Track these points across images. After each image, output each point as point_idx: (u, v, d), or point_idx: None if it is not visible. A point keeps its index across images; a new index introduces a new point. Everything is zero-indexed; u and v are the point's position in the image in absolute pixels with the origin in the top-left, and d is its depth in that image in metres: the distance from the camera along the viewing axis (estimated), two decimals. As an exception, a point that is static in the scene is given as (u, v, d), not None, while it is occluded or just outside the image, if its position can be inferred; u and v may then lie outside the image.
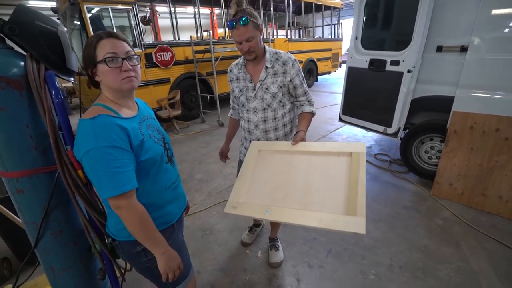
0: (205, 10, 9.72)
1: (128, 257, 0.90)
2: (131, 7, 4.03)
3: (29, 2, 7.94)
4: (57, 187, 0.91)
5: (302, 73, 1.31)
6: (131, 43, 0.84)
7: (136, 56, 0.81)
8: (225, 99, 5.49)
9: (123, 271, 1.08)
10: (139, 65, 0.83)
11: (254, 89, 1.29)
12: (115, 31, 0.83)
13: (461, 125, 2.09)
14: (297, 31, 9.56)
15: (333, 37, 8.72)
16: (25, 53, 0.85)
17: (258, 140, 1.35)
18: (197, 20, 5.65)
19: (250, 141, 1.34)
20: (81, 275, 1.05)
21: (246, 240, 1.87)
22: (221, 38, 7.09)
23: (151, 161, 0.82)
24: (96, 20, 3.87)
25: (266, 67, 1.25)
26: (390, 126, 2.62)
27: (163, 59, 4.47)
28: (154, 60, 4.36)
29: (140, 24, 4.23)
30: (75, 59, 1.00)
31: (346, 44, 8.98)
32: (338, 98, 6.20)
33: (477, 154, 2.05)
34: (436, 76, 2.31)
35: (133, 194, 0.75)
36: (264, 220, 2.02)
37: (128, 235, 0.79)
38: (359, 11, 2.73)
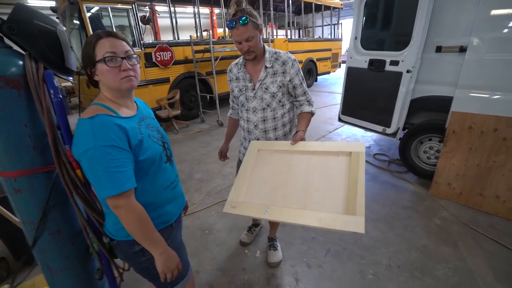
0: (204, 10, 9.71)
1: (126, 257, 0.90)
2: (131, 7, 4.02)
3: (28, 1, 7.92)
4: (55, 186, 0.91)
5: (302, 73, 1.31)
6: (131, 43, 0.84)
7: (135, 56, 0.81)
8: (224, 99, 5.48)
9: (121, 271, 1.08)
10: (138, 65, 0.82)
11: (254, 89, 1.29)
12: (114, 30, 0.83)
13: (460, 125, 2.09)
14: (296, 31, 9.56)
15: (332, 37, 8.73)
16: (23, 52, 0.85)
17: (258, 139, 1.35)
18: (197, 19, 5.65)
19: (250, 141, 1.34)
20: (79, 275, 1.05)
21: (245, 240, 1.87)
22: (220, 38, 7.08)
23: (150, 160, 0.82)
24: (96, 19, 3.86)
25: (266, 67, 1.25)
26: (389, 126, 2.62)
27: (162, 59, 4.47)
28: (154, 60, 4.35)
29: (140, 23, 4.22)
30: (74, 59, 0.99)
31: (345, 44, 8.99)
32: (337, 98, 6.21)
33: (475, 154, 2.06)
34: (435, 76, 2.32)
35: (131, 194, 0.75)
36: (263, 220, 2.03)
37: (126, 235, 0.79)
38: (359, 11, 2.74)
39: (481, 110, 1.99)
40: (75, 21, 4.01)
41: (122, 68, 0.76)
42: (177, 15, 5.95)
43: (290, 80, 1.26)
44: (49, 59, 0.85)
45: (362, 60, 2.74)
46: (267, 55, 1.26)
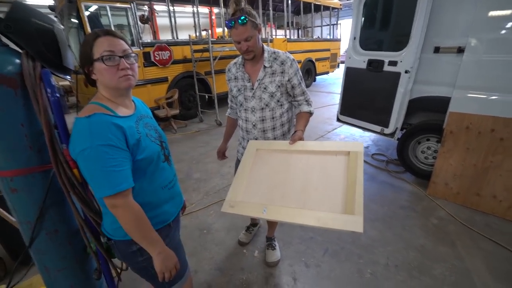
0: (204, 9, 9.69)
1: (124, 256, 0.90)
2: (130, 6, 4.00)
3: (26, -1, 7.85)
4: (52, 186, 0.90)
5: (300, 72, 1.31)
6: (129, 42, 0.83)
7: (133, 55, 0.81)
8: (223, 99, 5.47)
9: (119, 270, 1.08)
10: (136, 64, 0.82)
11: (252, 89, 1.29)
12: (113, 29, 0.82)
13: (458, 125, 2.10)
14: (296, 31, 9.57)
15: (331, 37, 8.74)
16: (20, 51, 0.84)
17: (256, 139, 1.35)
18: (196, 19, 5.64)
19: (248, 141, 1.34)
20: (77, 275, 1.04)
21: (243, 240, 1.87)
22: (219, 37, 7.07)
23: (147, 160, 0.81)
24: (94, 18, 3.84)
25: (265, 67, 1.25)
26: (387, 126, 2.63)
27: (161, 58, 4.45)
28: (152, 59, 4.34)
29: (139, 22, 4.21)
30: (72, 57, 0.99)
31: (344, 44, 9.02)
32: (336, 98, 6.22)
33: (472, 154, 2.07)
34: (433, 77, 2.33)
35: (129, 193, 0.75)
36: (261, 220, 2.03)
37: (124, 235, 0.78)
38: (358, 12, 2.74)
39: (478, 111, 2.00)
40: (73, 20, 3.98)
41: (120, 67, 0.76)
42: (176, 15, 5.94)
43: (288, 80, 1.26)
44: (46, 57, 0.85)
45: (361, 60, 2.74)
46: (266, 54, 1.26)
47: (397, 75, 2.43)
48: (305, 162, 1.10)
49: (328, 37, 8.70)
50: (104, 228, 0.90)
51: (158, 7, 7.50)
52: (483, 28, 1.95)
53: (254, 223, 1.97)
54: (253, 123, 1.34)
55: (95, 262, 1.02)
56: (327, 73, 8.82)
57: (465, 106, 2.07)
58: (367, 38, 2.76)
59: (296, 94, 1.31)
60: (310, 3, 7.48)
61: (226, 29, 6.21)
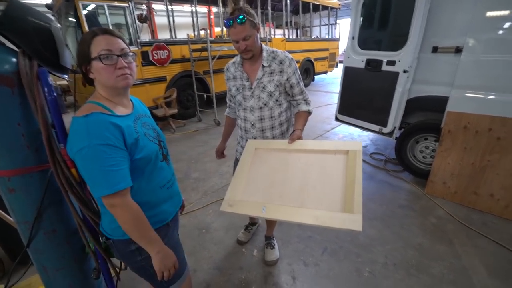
0: (202, 9, 9.65)
1: (123, 256, 0.90)
2: (128, 4, 3.98)
3: (23, -2, 7.79)
4: (50, 186, 0.90)
5: (299, 72, 1.31)
6: (127, 41, 0.83)
7: (131, 54, 0.80)
8: (221, 98, 5.46)
9: (118, 270, 1.08)
10: (134, 63, 0.82)
11: (251, 88, 1.29)
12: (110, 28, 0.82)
13: (455, 125, 2.11)
14: (294, 30, 9.56)
15: (330, 37, 8.75)
16: (17, 49, 0.83)
17: (255, 138, 1.35)
18: (194, 18, 5.62)
19: (247, 140, 1.34)
20: (75, 275, 1.04)
21: (242, 239, 1.87)
22: (218, 36, 7.06)
23: (145, 159, 0.81)
24: (92, 17, 3.82)
25: (263, 66, 1.25)
26: (385, 126, 2.64)
27: (159, 57, 4.44)
28: (151, 58, 4.32)
29: (137, 21, 4.19)
30: (69, 56, 0.98)
31: (343, 44, 9.03)
32: (334, 98, 6.23)
33: (470, 153, 2.08)
34: (431, 76, 2.33)
35: (127, 193, 0.75)
36: (260, 219, 2.03)
37: (123, 234, 0.78)
38: (356, 11, 2.75)
39: (476, 110, 2.01)
40: (70, 19, 3.96)
41: (118, 66, 0.76)
42: (175, 14, 5.91)
43: (287, 79, 1.26)
44: (43, 56, 0.84)
45: (359, 60, 2.75)
46: (264, 54, 1.26)
47: (395, 75, 2.43)
48: (304, 161, 1.10)
49: (327, 37, 8.70)
50: (102, 227, 0.89)
51: (156, 6, 7.47)
52: (481, 28, 1.96)
53: (253, 222, 1.97)
54: (252, 123, 1.34)
55: (93, 261, 1.02)
56: (325, 72, 8.83)
57: (463, 105, 2.08)
58: (366, 37, 2.77)
59: (295, 93, 1.31)
60: (308, 3, 7.47)
61: (224, 29, 6.20)
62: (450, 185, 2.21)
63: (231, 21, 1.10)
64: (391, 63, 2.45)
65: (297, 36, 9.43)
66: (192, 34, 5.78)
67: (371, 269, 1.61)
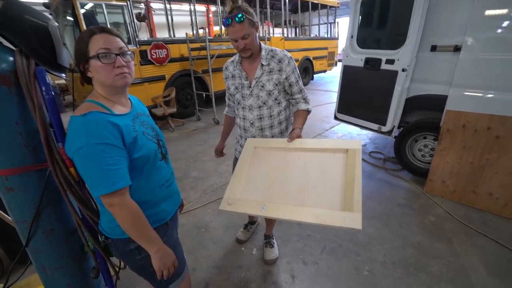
0: (201, 8, 9.62)
1: (122, 255, 0.90)
2: (126, 3, 3.97)
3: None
4: (48, 185, 0.89)
5: (298, 70, 1.30)
6: (125, 40, 0.82)
7: (129, 52, 0.80)
8: (220, 97, 5.47)
9: (117, 269, 1.08)
10: (132, 62, 0.81)
11: (250, 87, 1.28)
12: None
13: (454, 123, 2.12)
14: (293, 29, 9.55)
15: (329, 35, 8.74)
16: (14, 48, 0.83)
17: (254, 137, 1.35)
18: (193, 17, 5.60)
19: (246, 139, 1.34)
20: (74, 274, 1.04)
21: (241, 238, 1.87)
22: (217, 35, 7.04)
23: (144, 158, 0.81)
24: (90, 16, 3.80)
25: (262, 65, 1.25)
26: (384, 124, 2.64)
27: (158, 56, 4.42)
28: (149, 57, 4.31)
29: (135, 20, 4.17)
30: (67, 55, 0.98)
31: (342, 43, 9.02)
32: (333, 97, 6.23)
33: (469, 152, 2.08)
34: (430, 75, 2.34)
35: (126, 192, 0.74)
36: (260, 217, 2.03)
37: (122, 233, 0.78)
38: (355, 10, 2.74)
39: (474, 109, 2.02)
40: (68, 18, 3.94)
41: (116, 65, 0.75)
42: (173, 13, 5.89)
43: (286, 78, 1.26)
44: (41, 55, 0.83)
45: (358, 58, 2.75)
46: (263, 52, 1.26)
47: (394, 74, 2.44)
48: (304, 159, 1.10)
49: (326, 36, 8.69)
50: (101, 226, 0.89)
51: (154, 5, 7.44)
52: (480, 27, 1.96)
53: (252, 221, 1.97)
54: (251, 121, 1.34)
55: (92, 260, 1.01)
56: (324, 71, 8.82)
57: (461, 104, 2.09)
58: (365, 36, 2.77)
59: (294, 92, 1.31)
60: (307, 1, 7.46)
61: (223, 27, 6.18)
62: (449, 184, 2.22)
63: (230, 20, 1.10)
64: (390, 61, 2.45)
65: (296, 35, 9.42)
66: (191, 33, 5.76)
67: (370, 268, 1.61)
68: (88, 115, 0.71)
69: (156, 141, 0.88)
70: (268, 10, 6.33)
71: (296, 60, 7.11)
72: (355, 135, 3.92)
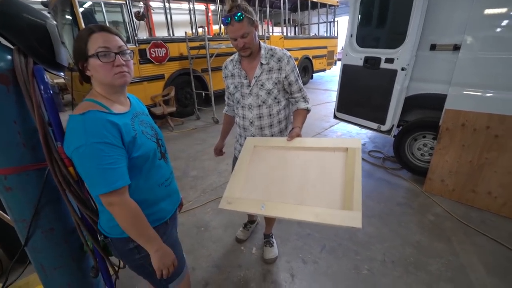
0: (200, 6, 9.60)
1: (121, 254, 0.89)
2: (125, 2, 3.95)
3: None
4: (47, 184, 0.89)
5: (297, 69, 1.30)
6: (124, 38, 0.82)
7: (129, 51, 0.80)
8: (220, 96, 5.46)
9: (116, 268, 1.08)
10: (132, 60, 0.81)
11: (249, 86, 1.28)
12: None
13: (453, 122, 2.12)
14: (292, 28, 9.54)
15: (328, 34, 8.73)
16: (12, 47, 0.82)
17: (253, 136, 1.35)
18: (192, 16, 5.59)
19: (245, 138, 1.33)
20: (73, 274, 1.04)
21: (240, 237, 1.87)
22: (216, 34, 7.03)
23: (143, 157, 0.81)
24: (88, 14, 3.78)
25: (261, 64, 1.25)
26: (384, 124, 2.64)
27: (157, 55, 4.41)
28: (148, 56, 4.30)
29: (134, 19, 4.16)
30: (66, 54, 0.97)
31: (341, 42, 9.01)
32: (333, 96, 6.23)
33: (468, 151, 2.09)
34: (429, 74, 2.34)
35: (125, 191, 0.74)
36: (259, 216, 2.03)
37: (121, 232, 0.78)
38: (355, 9, 2.74)
39: (474, 108, 2.02)
40: (67, 16, 3.92)
41: (116, 64, 0.75)
42: (172, 11, 5.88)
43: (285, 77, 1.26)
44: (39, 53, 0.83)
45: (358, 57, 2.75)
46: (262, 51, 1.25)
47: (393, 73, 2.44)
48: (303, 158, 1.10)
49: (325, 35, 8.68)
50: (100, 226, 0.89)
51: (153, 3, 7.42)
52: (479, 26, 1.96)
53: (251, 220, 1.97)
54: (250, 120, 1.33)
55: (92, 260, 1.01)
56: (324, 70, 8.82)
57: (460, 103, 2.09)
58: (364, 35, 2.76)
59: (293, 91, 1.31)
60: (307, 1, 7.45)
61: (222, 26, 6.16)
62: (448, 183, 2.22)
63: (229, 19, 1.09)
64: (389, 60, 2.45)
65: (295, 34, 9.41)
66: (190, 32, 5.75)
67: (370, 267, 1.62)
68: (87, 114, 0.70)
69: (155, 140, 0.88)
70: (268, 9, 6.32)
71: (296, 59, 7.09)
72: (354, 134, 3.92)
